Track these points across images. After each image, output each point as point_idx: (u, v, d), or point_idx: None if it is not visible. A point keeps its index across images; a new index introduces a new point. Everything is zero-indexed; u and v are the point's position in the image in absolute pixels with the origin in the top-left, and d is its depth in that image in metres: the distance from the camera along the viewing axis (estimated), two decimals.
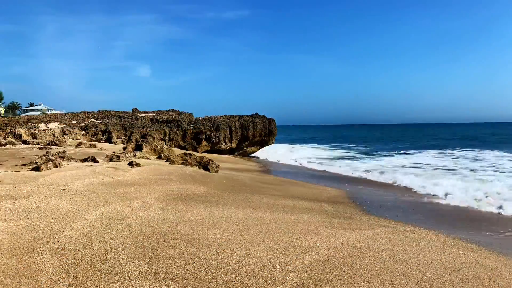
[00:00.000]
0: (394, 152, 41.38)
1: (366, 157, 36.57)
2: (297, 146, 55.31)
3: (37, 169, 13.09)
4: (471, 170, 24.12)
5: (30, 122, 37.63)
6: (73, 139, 32.12)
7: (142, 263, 5.73)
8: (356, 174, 23.27)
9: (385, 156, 37.36)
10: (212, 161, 18.85)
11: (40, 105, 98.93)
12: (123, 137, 35.73)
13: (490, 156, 33.36)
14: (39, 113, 75.12)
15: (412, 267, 6.48)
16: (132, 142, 31.55)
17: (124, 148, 23.78)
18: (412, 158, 34.32)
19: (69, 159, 16.92)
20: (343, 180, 20.85)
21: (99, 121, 40.49)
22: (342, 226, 9.13)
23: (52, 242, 6.24)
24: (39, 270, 5.17)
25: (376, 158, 34.60)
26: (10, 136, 27.96)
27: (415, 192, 16.77)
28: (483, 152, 37.14)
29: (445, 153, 37.93)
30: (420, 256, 7.07)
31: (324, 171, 26.04)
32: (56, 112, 70.63)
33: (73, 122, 39.61)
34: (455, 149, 42.26)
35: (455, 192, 15.07)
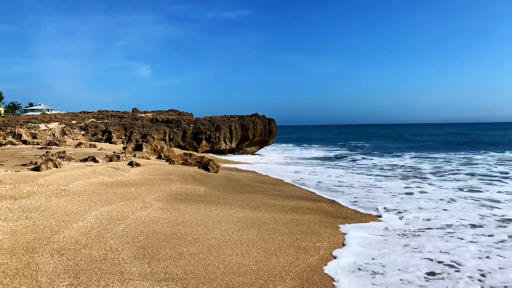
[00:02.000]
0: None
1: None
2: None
3: (37, 169, 13.09)
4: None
5: (30, 122, 37.62)
6: (73, 139, 32.13)
7: (142, 263, 5.73)
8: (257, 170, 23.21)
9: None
10: (212, 161, 18.86)
11: (40, 105, 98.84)
12: (123, 137, 35.74)
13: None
14: (39, 113, 75.09)
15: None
16: (132, 142, 31.57)
17: (124, 148, 23.80)
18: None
19: (69, 159, 16.93)
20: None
21: (99, 121, 40.50)
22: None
23: (52, 242, 6.24)
24: (39, 270, 5.17)
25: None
26: (10, 136, 27.96)
27: None
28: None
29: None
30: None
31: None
32: (56, 112, 70.65)
33: (73, 122, 39.61)
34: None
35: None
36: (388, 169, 24.41)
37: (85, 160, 17.14)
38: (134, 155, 19.70)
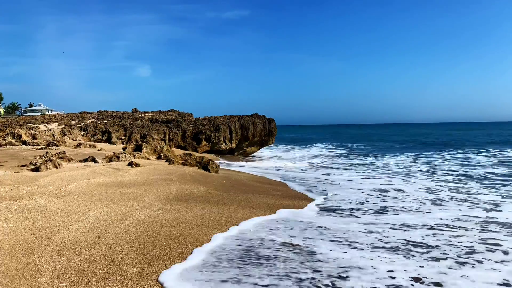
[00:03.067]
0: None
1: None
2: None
3: (36, 169, 13.08)
4: None
5: (30, 123, 37.57)
6: (72, 139, 32.10)
7: (142, 264, 5.72)
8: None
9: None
10: (212, 161, 18.84)
11: (40, 105, 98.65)
12: (123, 138, 35.71)
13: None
14: (39, 113, 75.00)
15: None
16: (132, 142, 31.55)
17: (124, 149, 23.77)
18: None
19: (69, 159, 16.91)
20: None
21: (99, 122, 40.46)
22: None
23: (52, 243, 6.23)
24: (39, 270, 5.17)
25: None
26: (9, 137, 27.93)
27: None
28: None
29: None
30: None
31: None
32: (56, 112, 70.61)
33: (73, 122, 39.56)
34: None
35: None
36: (382, 168, 25.30)
37: (85, 160, 17.12)
38: (134, 156, 19.68)
